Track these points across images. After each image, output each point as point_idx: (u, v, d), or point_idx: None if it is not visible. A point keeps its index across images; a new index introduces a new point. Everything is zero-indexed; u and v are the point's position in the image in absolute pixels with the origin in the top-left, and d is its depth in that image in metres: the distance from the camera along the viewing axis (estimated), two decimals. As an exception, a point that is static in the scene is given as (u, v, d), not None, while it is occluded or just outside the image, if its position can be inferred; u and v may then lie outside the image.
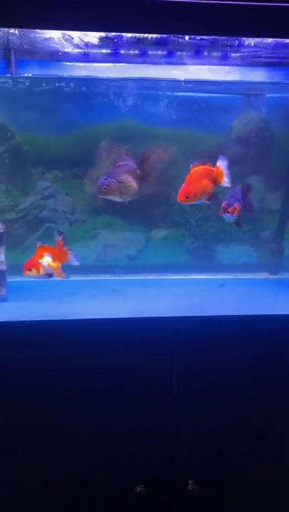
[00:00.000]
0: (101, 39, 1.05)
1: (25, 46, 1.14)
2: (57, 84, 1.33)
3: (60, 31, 0.99)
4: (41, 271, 1.14)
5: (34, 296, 1.35)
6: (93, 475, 1.22)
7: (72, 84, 1.35)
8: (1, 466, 1.19)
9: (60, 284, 1.44)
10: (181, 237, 1.58)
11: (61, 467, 1.21)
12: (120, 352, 1.17)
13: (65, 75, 1.29)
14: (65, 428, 1.20)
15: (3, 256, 1.29)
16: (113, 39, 1.06)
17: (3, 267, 1.30)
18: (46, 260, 1.15)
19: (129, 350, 1.16)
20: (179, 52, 1.29)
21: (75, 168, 1.46)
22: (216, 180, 1.18)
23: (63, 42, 1.06)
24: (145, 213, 1.53)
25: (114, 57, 1.19)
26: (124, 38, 1.05)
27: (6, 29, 1.05)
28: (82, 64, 1.24)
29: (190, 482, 1.22)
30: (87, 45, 1.09)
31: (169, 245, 1.57)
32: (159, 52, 1.28)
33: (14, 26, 0.94)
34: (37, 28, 1.03)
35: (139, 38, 1.11)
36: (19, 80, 1.31)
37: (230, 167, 1.18)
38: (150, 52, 1.28)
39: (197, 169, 1.15)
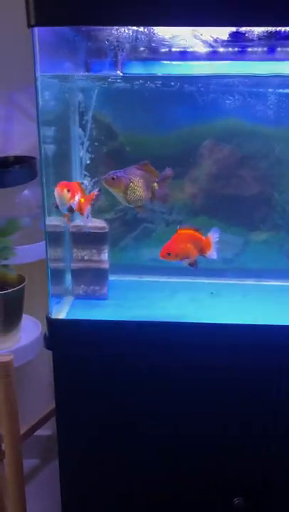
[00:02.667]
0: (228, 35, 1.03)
1: (136, 45, 1.15)
2: (161, 83, 1.33)
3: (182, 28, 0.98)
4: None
5: (133, 295, 1.36)
6: (190, 487, 1.21)
7: (176, 83, 1.33)
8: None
9: (157, 284, 1.46)
10: (282, 241, 1.50)
11: (157, 480, 1.21)
12: (224, 359, 1.14)
13: (173, 73, 1.28)
14: (163, 440, 1.20)
15: (106, 255, 1.32)
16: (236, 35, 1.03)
17: (106, 265, 1.33)
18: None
19: (235, 358, 1.13)
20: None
21: (175, 168, 1.44)
22: (202, 250, 1.17)
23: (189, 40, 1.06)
24: (245, 215, 1.48)
25: (237, 54, 1.15)
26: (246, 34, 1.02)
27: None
28: (193, 62, 1.22)
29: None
30: (212, 43, 1.07)
31: (268, 249, 1.50)
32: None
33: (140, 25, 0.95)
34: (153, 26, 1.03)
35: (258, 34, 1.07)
36: (125, 79, 1.32)
37: None
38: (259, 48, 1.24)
39: (185, 232, 1.17)
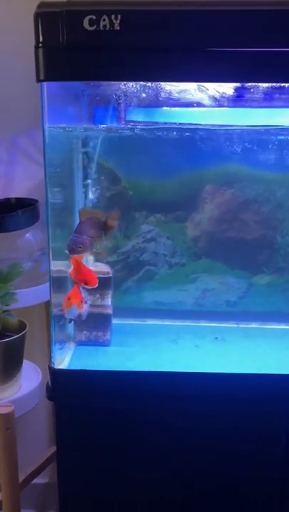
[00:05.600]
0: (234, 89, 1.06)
1: (140, 96, 1.18)
2: (166, 131, 1.35)
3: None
4: None
5: (136, 341, 1.33)
6: None
7: (177, 131, 1.36)
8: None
9: (160, 328, 1.44)
10: (286, 284, 1.49)
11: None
12: (227, 410, 1.12)
13: (176, 122, 1.30)
14: (165, 491, 1.16)
15: (110, 300, 1.30)
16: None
17: (110, 310, 1.31)
18: None
19: (241, 407, 1.11)
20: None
21: (178, 211, 1.46)
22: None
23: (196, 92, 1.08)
24: (248, 258, 1.48)
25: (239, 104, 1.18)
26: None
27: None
28: (193, 110, 1.25)
29: None
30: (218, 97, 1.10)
31: (272, 292, 1.49)
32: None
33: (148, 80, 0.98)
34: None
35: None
36: (128, 127, 1.35)
37: None
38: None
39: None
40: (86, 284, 1.11)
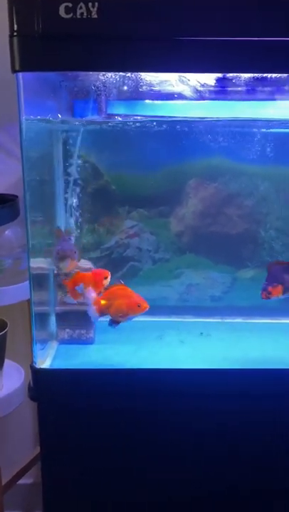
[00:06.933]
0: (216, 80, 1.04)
1: (121, 88, 1.15)
2: (148, 124, 1.33)
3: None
4: None
5: (120, 338, 1.30)
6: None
7: (162, 124, 1.34)
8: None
9: (145, 324, 1.41)
10: (270, 278, 1.50)
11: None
12: (217, 406, 1.10)
13: (159, 115, 1.28)
14: (152, 486, 1.15)
15: (92, 297, 1.28)
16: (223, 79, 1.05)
17: (92, 308, 1.29)
18: None
19: (230, 404, 1.09)
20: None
21: (161, 206, 1.43)
22: None
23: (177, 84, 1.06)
24: (232, 252, 1.47)
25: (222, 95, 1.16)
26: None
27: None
28: (176, 103, 1.23)
29: None
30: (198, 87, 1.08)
31: (256, 286, 1.46)
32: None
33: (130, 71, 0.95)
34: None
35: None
36: (111, 120, 1.32)
37: None
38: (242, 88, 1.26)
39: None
40: (139, 305, 1.08)
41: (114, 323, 1.09)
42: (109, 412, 1.11)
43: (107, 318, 1.11)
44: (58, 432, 1.14)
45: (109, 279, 1.11)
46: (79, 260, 1.21)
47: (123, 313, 1.07)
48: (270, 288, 1.07)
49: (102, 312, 1.09)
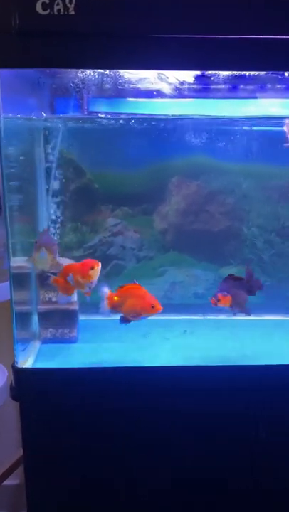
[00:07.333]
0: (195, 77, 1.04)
1: (101, 85, 1.15)
2: (130, 122, 1.32)
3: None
4: None
5: (103, 337, 1.31)
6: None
7: (144, 122, 1.33)
8: None
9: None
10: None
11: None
12: (202, 404, 1.10)
13: (140, 113, 1.27)
14: (133, 488, 1.14)
15: (75, 296, 1.27)
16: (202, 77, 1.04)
17: (75, 306, 1.28)
18: None
19: (213, 400, 1.10)
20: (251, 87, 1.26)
21: (144, 204, 1.43)
22: None
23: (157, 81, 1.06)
24: (215, 250, 1.48)
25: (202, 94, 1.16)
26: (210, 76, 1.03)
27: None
28: (158, 101, 1.23)
29: None
30: (181, 84, 1.08)
31: (239, 283, 1.51)
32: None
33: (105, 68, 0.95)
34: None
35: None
36: (92, 117, 1.31)
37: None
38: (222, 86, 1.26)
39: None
40: (153, 307, 1.08)
41: (125, 321, 1.08)
42: (92, 411, 1.10)
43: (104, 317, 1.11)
44: (40, 432, 1.13)
45: (97, 269, 1.10)
46: (60, 256, 1.21)
47: (136, 312, 1.07)
48: (220, 295, 1.10)
49: (114, 308, 1.08)
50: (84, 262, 1.13)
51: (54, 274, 1.17)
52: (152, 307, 1.07)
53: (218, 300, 1.10)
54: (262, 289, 1.13)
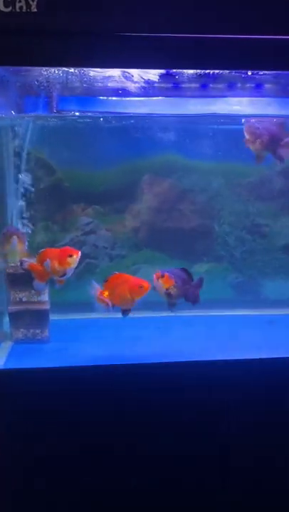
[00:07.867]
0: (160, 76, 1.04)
1: (72, 84, 1.14)
2: (100, 120, 1.32)
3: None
4: None
5: (76, 336, 1.30)
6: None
7: (113, 120, 1.34)
8: None
9: (101, 321, 1.41)
10: (225, 272, 1.52)
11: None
12: (165, 397, 1.11)
13: (109, 111, 1.27)
14: (104, 485, 1.14)
15: (46, 295, 1.26)
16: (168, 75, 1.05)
17: (46, 306, 1.27)
18: None
19: (184, 395, 1.10)
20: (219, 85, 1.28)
21: (116, 202, 1.44)
22: None
23: (123, 80, 1.06)
24: (187, 247, 1.49)
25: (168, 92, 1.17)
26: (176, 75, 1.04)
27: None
28: (126, 99, 1.23)
29: None
30: (146, 82, 1.08)
31: (212, 280, 1.51)
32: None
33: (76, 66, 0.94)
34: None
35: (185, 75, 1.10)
36: (62, 116, 1.30)
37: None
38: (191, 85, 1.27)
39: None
40: (141, 286, 1.06)
41: (124, 312, 1.08)
42: (64, 410, 1.10)
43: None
44: (12, 433, 1.12)
45: (75, 258, 1.08)
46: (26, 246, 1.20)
47: (127, 299, 1.06)
48: (167, 274, 1.08)
49: (109, 304, 1.08)
50: (63, 248, 1.10)
51: (28, 272, 1.16)
52: (140, 287, 1.06)
53: (162, 276, 1.08)
54: (197, 302, 1.14)
